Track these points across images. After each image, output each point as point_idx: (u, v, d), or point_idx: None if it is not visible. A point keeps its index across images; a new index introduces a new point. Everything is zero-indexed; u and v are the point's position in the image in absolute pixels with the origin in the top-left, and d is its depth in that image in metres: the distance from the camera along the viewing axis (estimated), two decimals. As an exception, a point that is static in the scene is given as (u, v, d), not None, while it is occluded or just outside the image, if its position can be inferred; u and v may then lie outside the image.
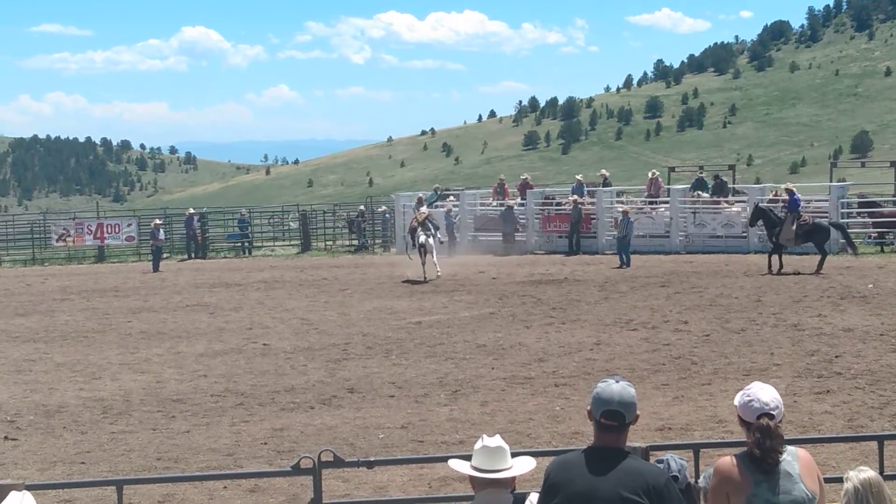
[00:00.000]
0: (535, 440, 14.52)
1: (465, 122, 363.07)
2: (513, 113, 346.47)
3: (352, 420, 16.35)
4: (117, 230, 51.94)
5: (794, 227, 33.06)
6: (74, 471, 14.11)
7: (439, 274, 34.56)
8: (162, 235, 46.57)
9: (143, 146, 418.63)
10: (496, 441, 6.21)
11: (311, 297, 31.59)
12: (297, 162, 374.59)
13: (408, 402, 17.50)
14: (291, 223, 57.76)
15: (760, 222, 34.72)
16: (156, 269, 43.39)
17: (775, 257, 32.83)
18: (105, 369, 21.29)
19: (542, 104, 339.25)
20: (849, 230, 36.96)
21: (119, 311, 29.98)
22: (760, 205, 35.98)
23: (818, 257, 32.37)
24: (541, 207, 45.06)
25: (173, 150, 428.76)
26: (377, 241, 50.97)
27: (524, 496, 6.15)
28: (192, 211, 51.72)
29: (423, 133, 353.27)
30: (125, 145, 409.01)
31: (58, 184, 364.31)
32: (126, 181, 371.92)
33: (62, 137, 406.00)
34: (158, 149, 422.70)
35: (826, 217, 37.48)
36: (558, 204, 45.26)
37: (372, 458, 10.36)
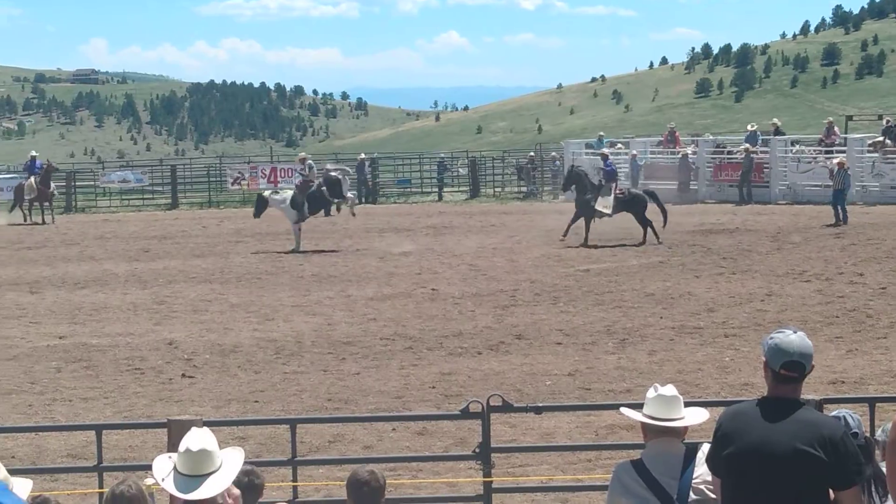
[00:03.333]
0: (704, 391, 14.40)
1: (635, 69, 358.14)
2: (685, 60, 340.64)
3: (519, 366, 16.41)
4: (290, 174, 52.67)
5: (612, 197, 31.38)
6: (248, 409, 14.46)
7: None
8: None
9: (315, 92, 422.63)
10: (671, 390, 6.17)
11: (479, 243, 31.68)
12: (466, 108, 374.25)
13: (575, 349, 17.49)
14: (461, 169, 57.92)
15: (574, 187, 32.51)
16: (327, 213, 43.94)
17: (579, 224, 31.17)
18: (278, 311, 21.71)
19: (716, 51, 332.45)
20: None
21: (291, 254, 30.47)
22: (577, 169, 34.13)
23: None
24: (712, 156, 44.48)
25: (345, 96, 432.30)
26: (546, 189, 50.82)
27: (696, 446, 6.10)
28: (363, 156, 52.20)
29: (594, 80, 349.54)
30: (298, 91, 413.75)
31: (233, 128, 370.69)
32: (299, 126, 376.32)
33: (237, 83, 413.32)
34: (330, 94, 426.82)
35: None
36: (730, 153, 44.59)
37: (540, 405, 10.40)
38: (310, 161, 34.75)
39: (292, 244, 31.67)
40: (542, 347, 17.72)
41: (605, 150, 35.82)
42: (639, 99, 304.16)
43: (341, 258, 29.43)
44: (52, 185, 43.64)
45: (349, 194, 32.89)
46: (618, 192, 31.88)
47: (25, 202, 42.62)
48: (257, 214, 33.43)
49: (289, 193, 32.91)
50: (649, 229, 30.80)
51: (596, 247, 30.09)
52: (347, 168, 34.09)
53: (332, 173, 33.08)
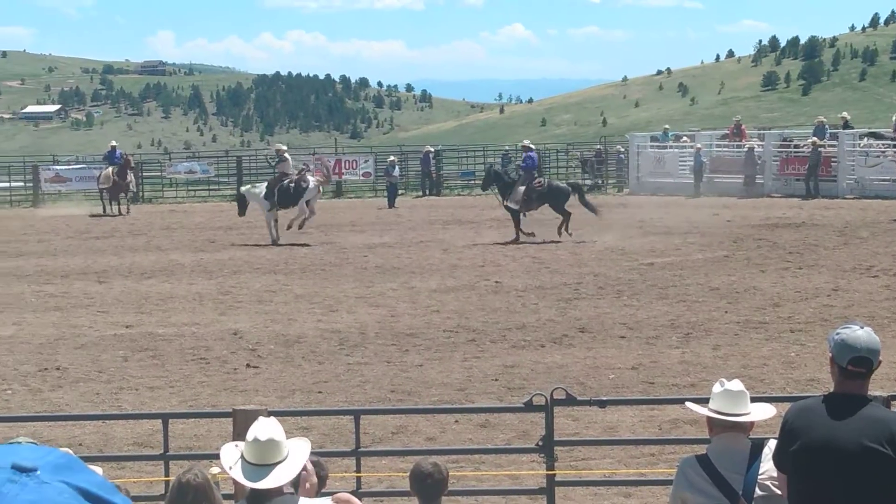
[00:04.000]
0: (769, 386, 14.31)
1: (701, 62, 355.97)
2: (752, 52, 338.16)
3: (582, 359, 16.37)
4: (354, 166, 52.90)
5: (524, 190, 30.97)
6: (312, 399, 14.53)
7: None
8: (397, 172, 47.28)
9: (380, 84, 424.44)
10: (737, 385, 6.15)
11: (543, 235, 31.59)
12: (530, 101, 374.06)
13: (639, 343, 17.43)
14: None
15: (494, 187, 32.36)
16: (391, 205, 44.10)
17: (521, 222, 31.02)
18: (342, 302, 21.79)
19: (783, 43, 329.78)
20: None
21: (355, 246, 30.57)
22: (494, 167, 33.98)
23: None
24: (779, 150, 44.13)
25: (409, 88, 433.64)
26: (611, 182, 50.68)
27: (762, 442, 6.08)
28: (428, 148, 52.31)
29: (659, 73, 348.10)
30: (363, 83, 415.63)
31: (298, 120, 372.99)
32: (363, 118, 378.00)
33: (303, 74, 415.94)
34: (395, 86, 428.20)
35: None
36: (796, 146, 44.21)
37: (604, 398, 10.39)
38: (285, 153, 34.78)
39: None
40: (605, 341, 17.68)
41: (527, 143, 35.27)
42: (705, 92, 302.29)
43: (405, 250, 29.46)
44: (130, 177, 43.56)
45: (302, 202, 31.86)
46: (536, 184, 31.60)
47: (104, 193, 42.56)
48: (241, 212, 33.51)
49: (262, 187, 33.20)
50: (565, 222, 30.65)
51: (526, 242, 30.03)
52: (316, 181, 33.24)
53: (309, 181, 32.50)
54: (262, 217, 32.90)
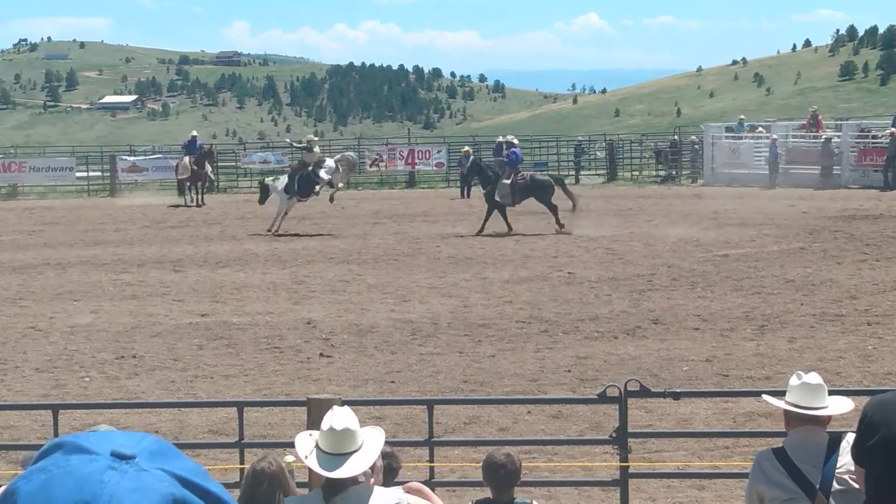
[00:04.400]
0: (846, 379, 14.15)
1: (777, 52, 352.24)
2: (829, 42, 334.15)
3: (655, 351, 16.30)
4: (427, 156, 52.93)
5: (510, 184, 30.92)
6: (384, 389, 14.59)
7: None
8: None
9: (453, 74, 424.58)
10: (815, 378, 6.08)
11: (615, 227, 31.47)
12: (604, 91, 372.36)
13: (713, 335, 17.31)
14: (598, 152, 57.59)
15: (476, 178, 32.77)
16: (464, 195, 44.07)
17: (498, 217, 31.01)
18: (414, 292, 21.84)
19: (861, 33, 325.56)
20: None
21: (428, 236, 30.60)
22: (477, 160, 34.14)
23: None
24: (856, 140, 43.60)
25: (482, 79, 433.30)
26: (685, 172, 50.31)
27: (840, 435, 6.01)
28: (501, 139, 52.18)
29: (734, 63, 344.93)
30: (436, 73, 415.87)
31: (371, 110, 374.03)
32: (436, 108, 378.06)
33: (376, 65, 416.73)
34: (468, 76, 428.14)
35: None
36: (874, 137, 43.67)
37: (678, 390, 10.34)
38: (313, 140, 35.55)
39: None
40: (678, 333, 17.58)
41: (511, 138, 35.57)
42: (781, 82, 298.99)
43: (477, 240, 29.45)
44: (208, 167, 43.48)
45: (324, 175, 32.39)
46: (519, 178, 31.65)
47: (186, 183, 42.54)
48: (262, 201, 34.09)
49: (285, 179, 33.52)
50: (554, 215, 30.73)
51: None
52: (350, 154, 34.08)
53: (326, 160, 33.06)
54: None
